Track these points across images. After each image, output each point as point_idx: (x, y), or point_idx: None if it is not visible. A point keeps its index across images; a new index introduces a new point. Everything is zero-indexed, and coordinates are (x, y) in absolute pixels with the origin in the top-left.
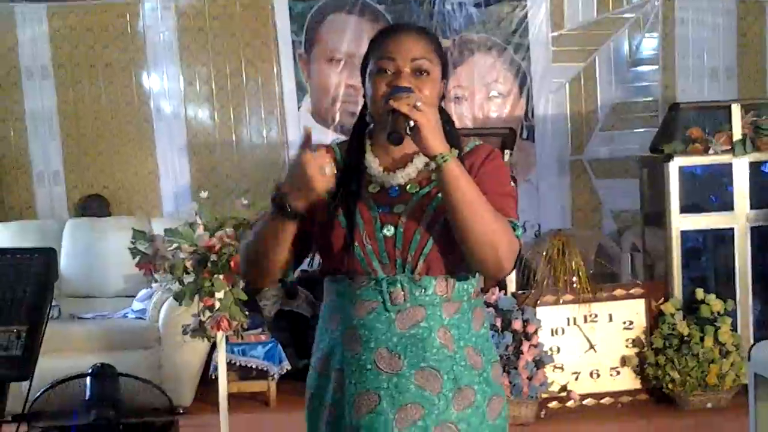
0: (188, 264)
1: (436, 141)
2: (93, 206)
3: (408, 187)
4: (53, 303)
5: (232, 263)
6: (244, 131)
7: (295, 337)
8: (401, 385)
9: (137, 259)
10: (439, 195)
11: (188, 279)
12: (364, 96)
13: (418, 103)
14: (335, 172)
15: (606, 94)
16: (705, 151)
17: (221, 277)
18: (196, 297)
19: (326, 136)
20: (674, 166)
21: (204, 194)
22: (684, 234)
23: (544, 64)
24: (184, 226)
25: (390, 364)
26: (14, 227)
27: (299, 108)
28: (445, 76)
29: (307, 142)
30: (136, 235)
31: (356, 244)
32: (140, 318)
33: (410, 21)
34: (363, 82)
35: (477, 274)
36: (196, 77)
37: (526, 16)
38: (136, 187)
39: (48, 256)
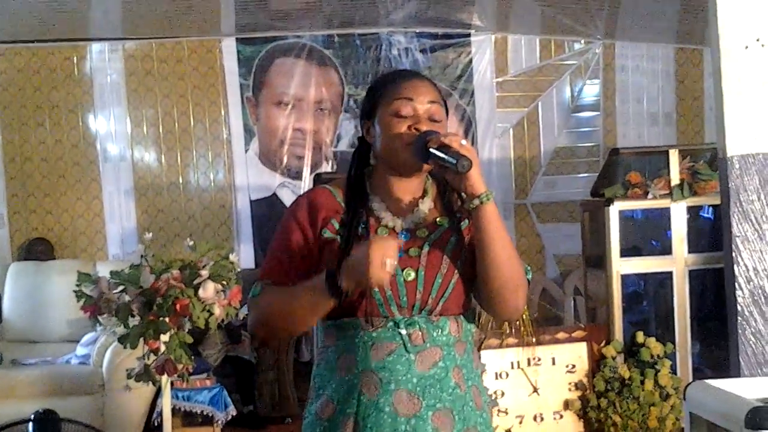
0: (134, 307)
1: (481, 179)
2: (38, 250)
3: (418, 231)
4: None
5: (177, 306)
6: (192, 174)
7: (240, 382)
8: (419, 427)
9: (82, 301)
10: (452, 238)
11: (134, 322)
12: (363, 138)
13: (463, 142)
14: (395, 266)
15: (549, 140)
16: (644, 196)
17: (167, 319)
18: (141, 340)
19: (273, 179)
20: (614, 210)
21: (149, 236)
22: (625, 277)
23: (488, 109)
24: (130, 268)
25: (409, 407)
26: None
27: (247, 151)
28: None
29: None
30: (81, 278)
31: (376, 288)
32: (84, 363)
33: (358, 66)
34: (365, 125)
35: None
36: (144, 120)
37: (470, 62)
38: (81, 230)
39: None
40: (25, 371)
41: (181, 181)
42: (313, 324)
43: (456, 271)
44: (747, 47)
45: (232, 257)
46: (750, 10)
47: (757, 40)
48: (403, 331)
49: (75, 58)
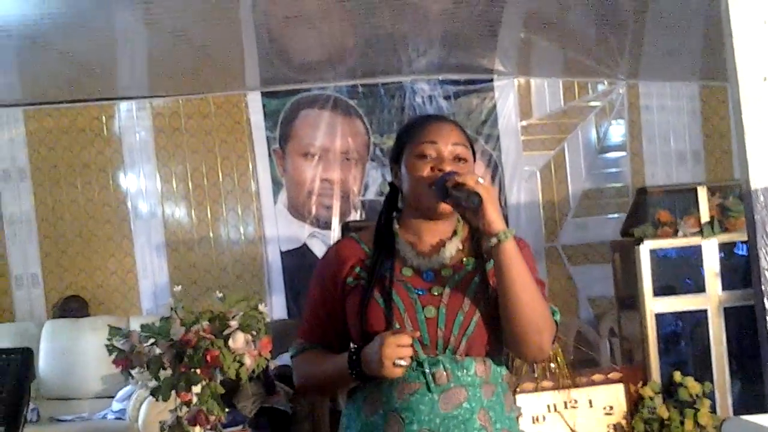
0: (165, 359)
1: (499, 217)
2: (72, 307)
3: (442, 271)
4: (32, 406)
5: (208, 357)
6: (222, 227)
7: None
8: None
9: (113, 355)
10: (476, 278)
11: (165, 374)
12: (392, 183)
13: (480, 179)
14: (410, 364)
15: (577, 181)
16: (675, 234)
17: (198, 371)
18: (174, 392)
19: (303, 229)
20: (645, 250)
21: (177, 288)
22: (660, 317)
23: (514, 153)
24: (161, 321)
25: None
26: None
27: (275, 203)
28: (474, 162)
29: (398, 331)
30: (112, 332)
31: (397, 325)
32: (120, 418)
33: (383, 114)
34: (393, 169)
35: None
36: (173, 176)
37: (494, 106)
38: (114, 287)
39: (24, 356)
40: (62, 428)
41: (211, 235)
42: (345, 389)
43: (478, 311)
44: (766, 79)
45: (261, 307)
46: (766, 41)
47: None
48: (427, 371)
49: (104, 117)
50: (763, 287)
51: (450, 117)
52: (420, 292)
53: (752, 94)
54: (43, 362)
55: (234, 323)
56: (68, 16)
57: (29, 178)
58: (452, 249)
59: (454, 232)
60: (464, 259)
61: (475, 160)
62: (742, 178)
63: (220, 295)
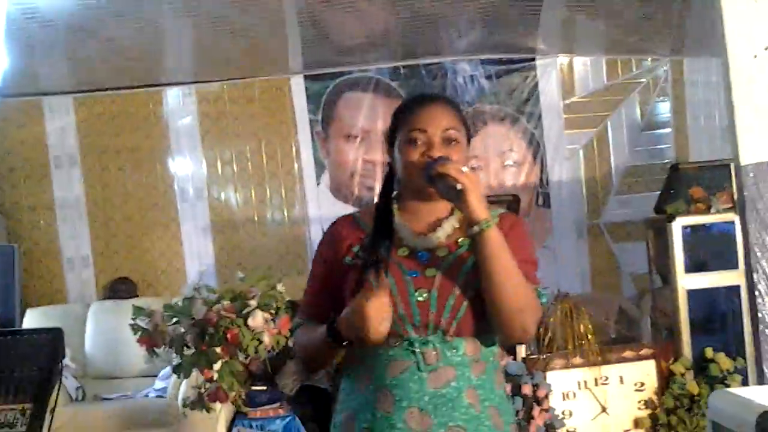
0: (188, 338)
1: (481, 206)
2: (121, 289)
3: (437, 251)
4: (77, 384)
5: (228, 335)
6: (266, 209)
7: (317, 411)
8: None
9: (138, 334)
10: (470, 259)
11: (188, 352)
12: (390, 164)
13: (465, 168)
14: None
15: (620, 159)
16: (707, 211)
17: (218, 349)
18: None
19: (346, 210)
20: (677, 226)
21: (202, 268)
22: (692, 293)
23: (556, 131)
24: (183, 301)
25: (420, 423)
26: (40, 312)
27: (318, 184)
28: (468, 142)
29: (370, 289)
30: (136, 312)
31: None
32: (161, 396)
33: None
34: (389, 151)
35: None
36: (218, 159)
37: (536, 85)
38: (162, 269)
39: (54, 336)
40: (105, 406)
41: (256, 217)
42: (333, 359)
43: (469, 293)
44: (756, 56)
45: (279, 287)
46: (756, 18)
47: (766, 48)
48: (417, 350)
49: (151, 103)
50: (752, 262)
51: (443, 96)
52: (413, 274)
53: (742, 70)
54: (88, 342)
55: (253, 302)
56: (110, 5)
57: (79, 163)
58: (448, 228)
59: (452, 212)
60: (460, 239)
61: (469, 140)
62: (732, 154)
63: (241, 275)
